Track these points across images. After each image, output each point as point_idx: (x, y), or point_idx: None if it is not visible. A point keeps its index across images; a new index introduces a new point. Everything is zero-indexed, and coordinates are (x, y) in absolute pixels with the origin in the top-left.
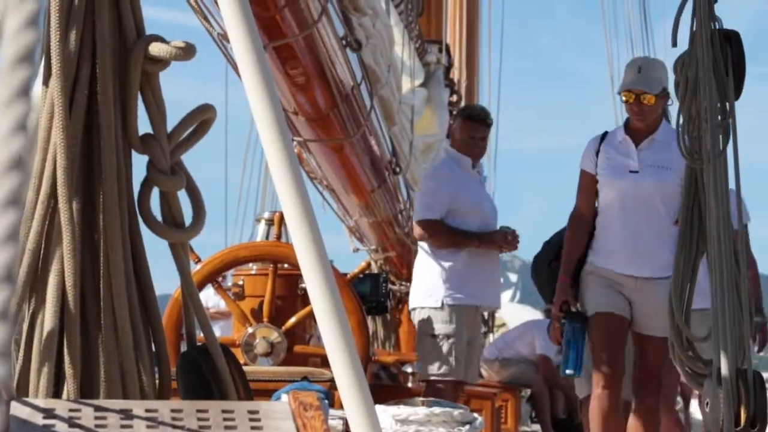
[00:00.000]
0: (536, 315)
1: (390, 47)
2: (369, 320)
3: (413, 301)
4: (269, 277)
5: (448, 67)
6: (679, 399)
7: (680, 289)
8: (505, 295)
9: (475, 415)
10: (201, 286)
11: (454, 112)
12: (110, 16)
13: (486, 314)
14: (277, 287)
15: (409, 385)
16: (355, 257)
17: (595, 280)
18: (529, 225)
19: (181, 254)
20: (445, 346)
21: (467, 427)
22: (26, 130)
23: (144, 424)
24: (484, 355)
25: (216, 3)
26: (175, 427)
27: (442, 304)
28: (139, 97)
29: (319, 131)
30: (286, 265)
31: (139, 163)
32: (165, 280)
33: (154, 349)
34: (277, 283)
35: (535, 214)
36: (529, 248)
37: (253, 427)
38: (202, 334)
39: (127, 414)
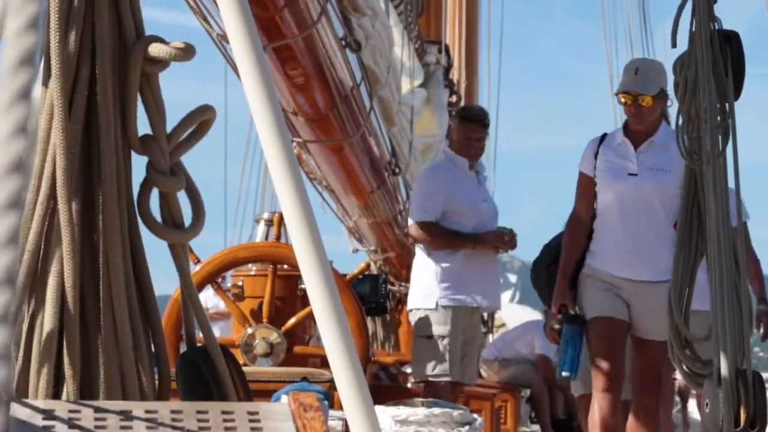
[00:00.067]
0: (536, 315)
1: (389, 48)
2: (368, 321)
3: (410, 303)
4: (269, 278)
5: (448, 68)
6: (677, 399)
7: (679, 290)
8: (505, 296)
9: (475, 415)
10: (200, 286)
11: (453, 113)
12: (110, 17)
13: (485, 315)
14: (276, 288)
15: (409, 385)
16: (354, 258)
17: (593, 283)
18: (529, 226)
19: (180, 255)
20: (439, 347)
21: (467, 427)
22: (27, 133)
23: (144, 425)
24: (484, 356)
25: (215, 4)
26: (174, 428)
27: (437, 305)
28: (139, 97)
29: (318, 132)
30: (285, 266)
31: (139, 164)
32: (164, 281)
33: (153, 349)
34: (276, 283)
35: (534, 214)
36: (528, 249)
37: (252, 428)
38: (201, 335)
39: (126, 415)
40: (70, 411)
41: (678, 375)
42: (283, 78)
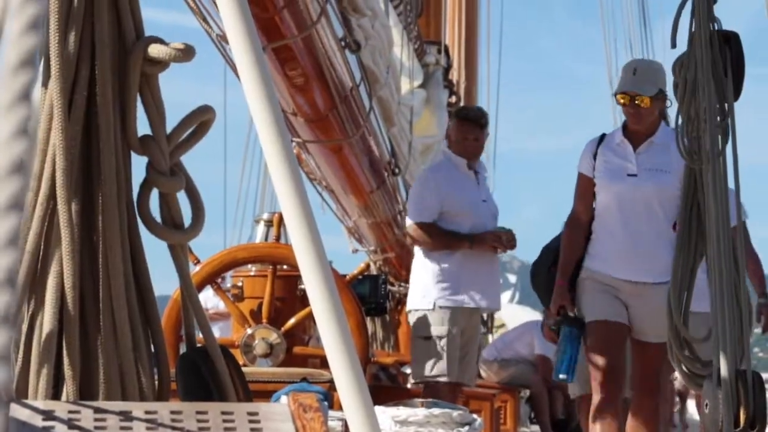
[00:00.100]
0: (535, 316)
1: (389, 48)
2: (368, 321)
3: (409, 303)
4: (268, 279)
5: (447, 68)
6: (676, 399)
7: (678, 290)
8: (504, 296)
9: (474, 416)
10: (200, 287)
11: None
12: (109, 17)
13: (485, 315)
14: (276, 288)
15: (408, 386)
16: (354, 258)
17: (592, 285)
18: (528, 226)
19: (180, 255)
20: (437, 348)
21: (466, 428)
22: (28, 135)
23: (143, 425)
24: (483, 356)
25: (215, 4)
26: (174, 428)
27: (434, 305)
28: (139, 98)
29: (318, 132)
30: (285, 267)
31: (139, 165)
32: (164, 281)
33: (153, 350)
34: (276, 284)
35: (534, 215)
36: (528, 249)
37: (252, 429)
38: (201, 336)
39: (126, 415)
40: (70, 411)
41: (677, 375)
42: (282, 78)
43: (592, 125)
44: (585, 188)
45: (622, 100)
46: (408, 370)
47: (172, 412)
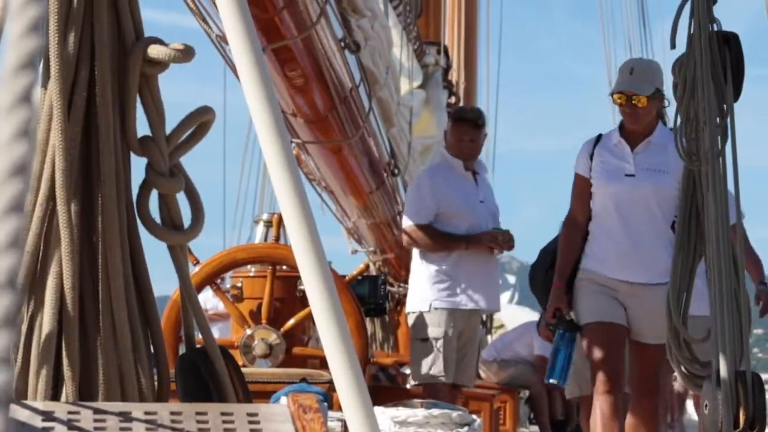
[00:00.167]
0: (535, 316)
1: (388, 49)
2: (367, 322)
3: (408, 305)
4: (268, 279)
5: (447, 69)
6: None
7: (678, 291)
8: (504, 297)
9: (474, 416)
10: (199, 288)
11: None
12: (109, 18)
13: (484, 316)
14: (275, 289)
15: (408, 386)
16: (353, 259)
17: (589, 286)
18: (528, 226)
19: (179, 256)
20: (434, 350)
21: (466, 428)
22: (29, 137)
23: (143, 426)
24: (483, 357)
25: (214, 5)
26: (174, 429)
27: (431, 307)
28: (138, 99)
29: (317, 133)
30: (284, 267)
31: (138, 166)
32: (164, 282)
33: (152, 351)
34: (275, 284)
35: (533, 215)
36: (527, 250)
37: (252, 430)
38: (200, 336)
39: (126, 416)
40: (70, 412)
41: (677, 376)
42: (282, 79)
43: (592, 126)
44: (582, 189)
45: (618, 100)
46: (407, 371)
47: (172, 413)
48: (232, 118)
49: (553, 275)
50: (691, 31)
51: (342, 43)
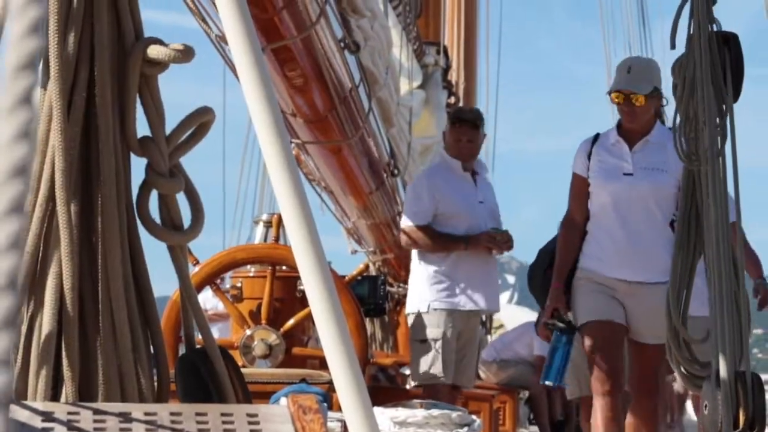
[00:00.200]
0: (534, 316)
1: (388, 49)
2: (367, 322)
3: (407, 306)
4: (267, 279)
5: (446, 69)
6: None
7: (677, 291)
8: (503, 297)
9: (473, 417)
10: (199, 288)
11: None
12: (109, 18)
13: (484, 316)
14: (275, 289)
15: (408, 387)
16: (353, 259)
17: (587, 285)
18: (527, 227)
19: (179, 257)
20: (432, 351)
21: (465, 429)
22: (29, 138)
23: (143, 427)
24: (482, 357)
25: (214, 5)
26: (173, 430)
27: (429, 308)
28: (138, 99)
29: (317, 133)
30: (284, 267)
31: (138, 166)
32: (163, 283)
33: (152, 351)
34: (275, 285)
35: (533, 215)
36: (527, 250)
37: (252, 431)
38: (200, 337)
39: (125, 417)
40: (69, 413)
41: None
42: (281, 79)
43: (592, 126)
44: (579, 188)
45: (616, 99)
46: (407, 371)
47: (172, 414)
48: (231, 119)
49: (552, 275)
50: (691, 32)
51: (342, 44)
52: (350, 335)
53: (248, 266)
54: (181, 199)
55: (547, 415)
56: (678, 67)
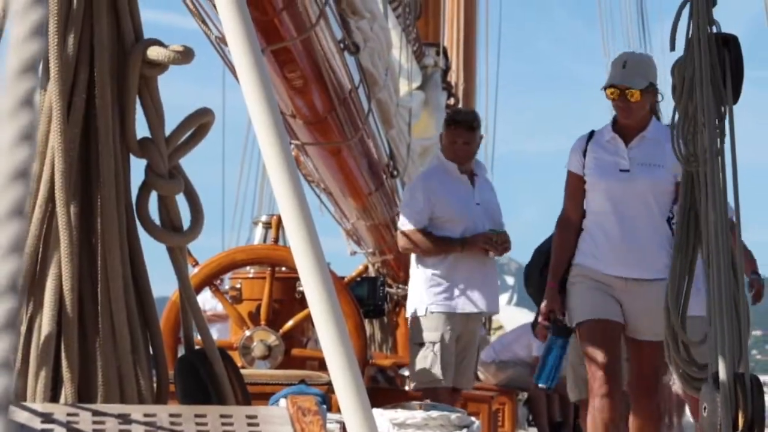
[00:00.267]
0: (533, 318)
1: (388, 50)
2: (366, 323)
3: (408, 310)
4: (267, 281)
5: (446, 70)
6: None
7: (676, 292)
8: (502, 298)
9: (473, 418)
10: (198, 289)
11: None
12: (108, 19)
13: (483, 318)
14: (274, 290)
15: (407, 388)
16: (352, 260)
17: (583, 283)
18: (527, 228)
19: (179, 258)
20: (430, 354)
21: (464, 430)
22: (30, 141)
23: (142, 428)
24: (481, 358)
25: (214, 6)
26: None
27: (427, 311)
28: (137, 100)
29: (316, 134)
30: (283, 269)
31: (138, 167)
32: (163, 284)
33: (151, 352)
34: (274, 286)
35: (532, 216)
36: (526, 251)
37: None
38: (199, 338)
39: (125, 418)
40: (69, 414)
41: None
42: (281, 81)
43: (591, 126)
44: (575, 187)
45: (611, 95)
46: (406, 373)
47: (171, 415)
48: (231, 120)
49: (548, 275)
50: (691, 33)
51: (341, 45)
52: (349, 336)
53: (247, 267)
54: (181, 200)
55: (546, 416)
56: (677, 69)
